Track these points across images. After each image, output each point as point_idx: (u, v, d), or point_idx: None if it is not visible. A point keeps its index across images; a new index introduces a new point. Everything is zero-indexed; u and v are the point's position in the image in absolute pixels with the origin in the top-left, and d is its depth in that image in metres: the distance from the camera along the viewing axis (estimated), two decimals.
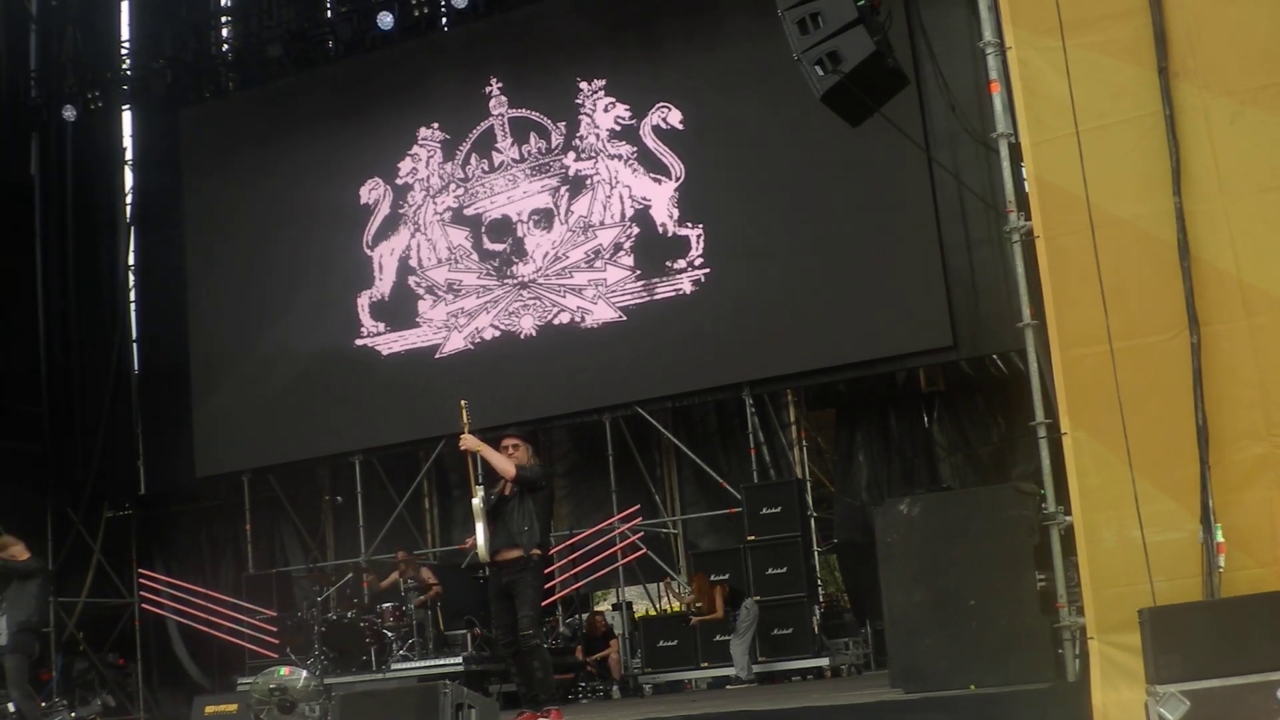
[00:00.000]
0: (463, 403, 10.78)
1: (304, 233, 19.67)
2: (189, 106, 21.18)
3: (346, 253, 19.43)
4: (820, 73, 9.68)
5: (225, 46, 21.35)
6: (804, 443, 19.28)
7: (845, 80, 9.61)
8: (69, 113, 20.74)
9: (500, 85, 18.78)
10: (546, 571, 12.06)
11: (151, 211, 21.79)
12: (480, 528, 10.54)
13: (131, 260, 21.91)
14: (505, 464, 10.60)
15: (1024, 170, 9.02)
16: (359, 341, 19.20)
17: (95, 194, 21.94)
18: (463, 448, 10.70)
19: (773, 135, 16.88)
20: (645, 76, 17.99)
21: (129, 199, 22.07)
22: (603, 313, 17.76)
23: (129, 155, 22.24)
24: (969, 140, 14.19)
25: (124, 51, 21.69)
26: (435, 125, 19.21)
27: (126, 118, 22.18)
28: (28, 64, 21.86)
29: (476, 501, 10.58)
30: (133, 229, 21.92)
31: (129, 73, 21.16)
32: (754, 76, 16.86)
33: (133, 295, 21.83)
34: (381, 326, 19.10)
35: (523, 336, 18.23)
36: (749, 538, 16.09)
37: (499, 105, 18.79)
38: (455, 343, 18.62)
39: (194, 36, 20.98)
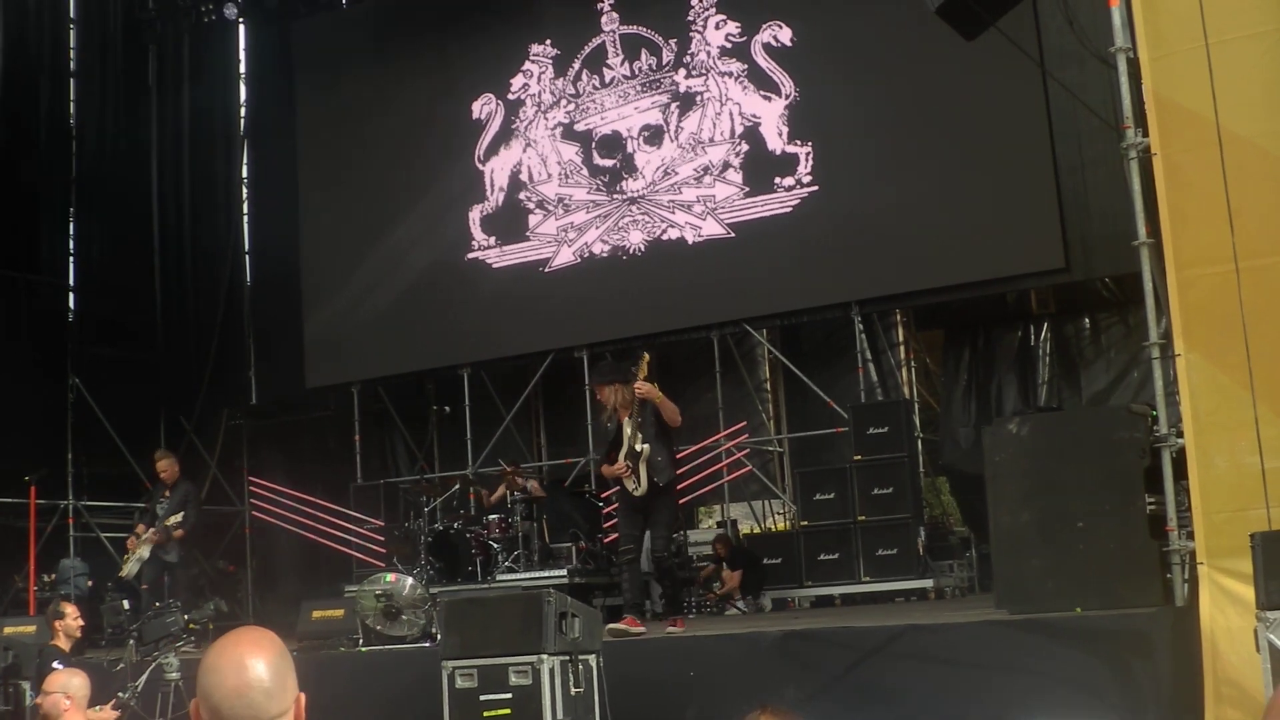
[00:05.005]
0: (645, 356, 11.35)
1: (415, 146, 19.75)
2: (300, 20, 21.32)
3: (457, 167, 19.47)
4: None
5: None
6: (912, 363, 19.15)
7: None
8: None
9: (612, 2, 18.69)
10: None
11: (264, 125, 21.95)
12: (643, 469, 11.13)
13: (245, 173, 22.07)
14: (674, 415, 11.27)
15: (1142, 86, 8.83)
16: (470, 255, 19.28)
17: (210, 107, 22.09)
18: (641, 393, 11.19)
19: (883, 52, 16.68)
20: None
21: (242, 113, 22.23)
22: (711, 229, 17.68)
23: (242, 69, 22.38)
24: (1085, 58, 13.86)
25: None
26: (547, 41, 19.13)
27: (240, 31, 22.28)
28: None
29: (642, 448, 11.16)
30: (246, 142, 22.08)
31: None
32: None
33: (245, 208, 22.01)
34: (492, 240, 19.16)
35: (631, 252, 18.24)
36: (855, 457, 15.99)
37: (610, 22, 18.69)
38: (564, 257, 18.64)
39: None
